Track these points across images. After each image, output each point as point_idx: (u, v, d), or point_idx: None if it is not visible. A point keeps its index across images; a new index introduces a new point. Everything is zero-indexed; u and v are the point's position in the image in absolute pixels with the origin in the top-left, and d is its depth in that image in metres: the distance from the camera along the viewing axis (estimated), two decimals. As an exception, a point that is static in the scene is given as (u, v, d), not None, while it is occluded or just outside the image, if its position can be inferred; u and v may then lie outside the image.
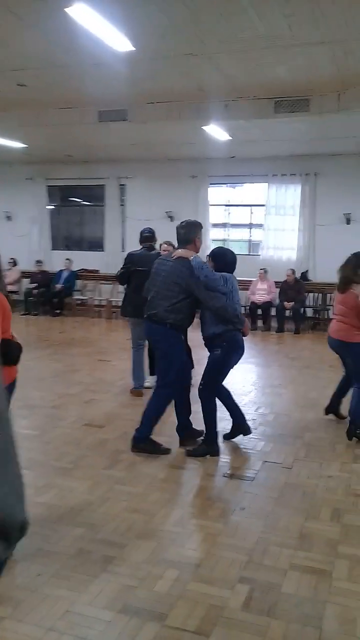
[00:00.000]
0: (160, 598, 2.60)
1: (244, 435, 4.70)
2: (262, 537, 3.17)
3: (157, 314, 4.35)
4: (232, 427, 4.75)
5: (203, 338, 4.53)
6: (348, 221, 11.74)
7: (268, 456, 4.40)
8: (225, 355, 4.39)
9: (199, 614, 2.48)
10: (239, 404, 4.85)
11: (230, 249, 4.86)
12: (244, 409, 5.15)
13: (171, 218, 12.58)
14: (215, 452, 4.40)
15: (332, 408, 5.40)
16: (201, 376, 4.51)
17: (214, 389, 4.52)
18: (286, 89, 7.85)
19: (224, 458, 4.39)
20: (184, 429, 4.63)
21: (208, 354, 4.49)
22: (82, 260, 13.48)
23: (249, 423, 4.89)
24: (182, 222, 4.57)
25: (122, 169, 13.36)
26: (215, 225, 13.23)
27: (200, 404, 4.44)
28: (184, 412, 4.62)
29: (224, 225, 13.36)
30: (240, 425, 4.72)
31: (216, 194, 13.24)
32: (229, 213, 13.42)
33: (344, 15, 5.54)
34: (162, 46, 6.40)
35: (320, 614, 2.51)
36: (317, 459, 4.36)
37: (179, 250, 4.42)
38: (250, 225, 13.30)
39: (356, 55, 6.56)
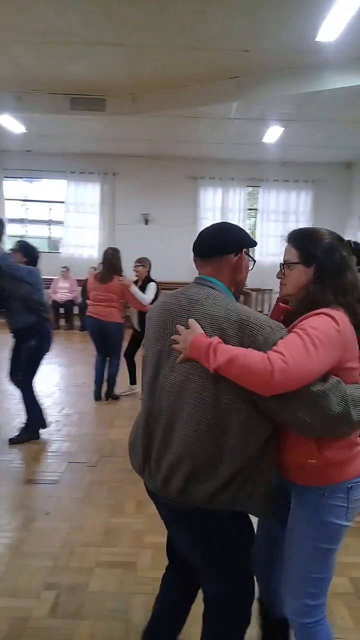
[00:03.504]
0: None
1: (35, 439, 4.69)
2: (68, 539, 3.13)
3: None
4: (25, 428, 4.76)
5: (12, 330, 4.60)
6: (146, 221, 12.19)
7: (73, 457, 4.36)
8: (40, 344, 4.57)
9: (3, 629, 2.35)
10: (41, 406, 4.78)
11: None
12: (47, 411, 5.03)
13: None
14: (37, 436, 4.73)
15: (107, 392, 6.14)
16: (12, 368, 4.66)
17: (32, 377, 4.70)
18: (83, 87, 7.84)
19: (23, 464, 4.23)
20: None
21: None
22: None
23: (53, 425, 4.79)
24: None
25: None
26: (12, 221, 12.69)
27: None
28: None
29: (22, 220, 12.90)
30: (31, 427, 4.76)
31: (12, 188, 12.71)
32: (27, 209, 12.99)
33: (138, 20, 5.71)
34: None
35: (127, 607, 2.55)
36: (122, 454, 4.44)
37: None
38: (49, 222, 13.03)
39: (149, 60, 6.81)
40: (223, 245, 1.76)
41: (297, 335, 1.53)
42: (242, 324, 1.57)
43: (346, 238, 1.81)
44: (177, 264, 12.07)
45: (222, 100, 7.63)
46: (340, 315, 1.60)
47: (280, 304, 1.86)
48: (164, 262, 11.82)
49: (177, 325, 1.68)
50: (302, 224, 12.44)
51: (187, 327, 1.64)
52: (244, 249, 1.78)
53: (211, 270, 1.76)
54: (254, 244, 1.83)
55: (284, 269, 1.81)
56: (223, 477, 1.62)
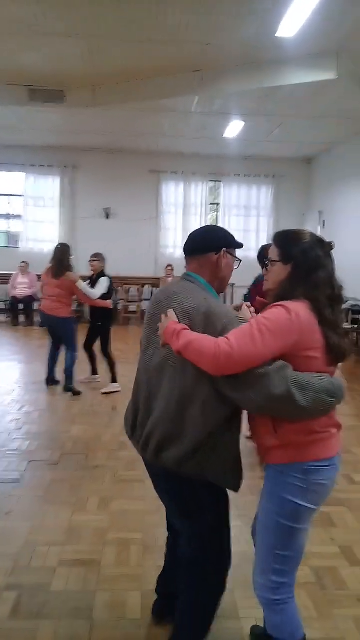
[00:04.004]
0: None
1: None
2: (30, 539, 3.06)
3: None
4: None
5: None
6: (107, 215, 12.08)
7: (33, 455, 4.27)
8: None
9: None
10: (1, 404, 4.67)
11: None
12: (7, 409, 4.94)
13: None
14: None
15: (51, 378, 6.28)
16: None
17: None
18: (41, 78, 7.70)
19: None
20: None
21: None
22: None
23: (13, 424, 4.69)
24: None
25: None
26: (-31, 215, 12.41)
27: None
28: None
29: (-20, 214, 12.61)
30: None
31: (-31, 181, 12.40)
32: (-15, 202, 12.71)
33: (96, 11, 5.62)
34: None
35: (91, 605, 2.52)
36: (83, 451, 4.39)
37: None
38: (8, 216, 12.76)
39: (108, 51, 6.73)
40: (205, 245, 2.01)
41: (248, 324, 1.72)
42: (207, 315, 1.81)
43: None
44: (139, 258, 12.03)
45: (183, 94, 7.61)
46: (297, 306, 1.74)
47: (258, 297, 2.00)
48: (126, 257, 11.76)
49: (162, 314, 1.93)
50: (264, 219, 12.58)
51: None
52: (224, 249, 1.99)
53: (194, 267, 2.02)
54: (236, 245, 2.04)
55: (267, 266, 1.96)
56: (188, 446, 1.85)
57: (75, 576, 2.73)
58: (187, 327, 1.80)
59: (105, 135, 10.51)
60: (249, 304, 2.07)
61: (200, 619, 2.05)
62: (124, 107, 8.24)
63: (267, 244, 4.18)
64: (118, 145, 11.43)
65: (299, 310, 1.72)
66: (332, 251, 1.90)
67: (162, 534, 3.13)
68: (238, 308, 2.07)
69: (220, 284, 2.04)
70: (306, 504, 1.82)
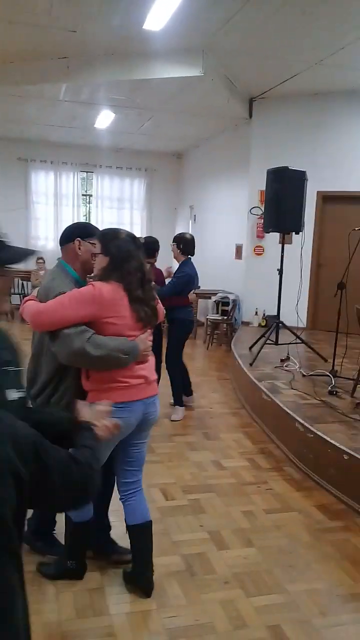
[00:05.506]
0: None
1: None
2: None
3: None
4: None
5: None
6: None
7: None
8: None
9: None
10: None
11: None
12: None
13: None
14: None
15: None
16: None
17: None
18: None
19: None
20: None
21: None
22: None
23: None
24: None
25: None
26: None
27: None
28: None
29: None
30: None
31: None
32: None
33: None
34: None
35: None
36: None
37: None
38: None
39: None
40: (64, 237, 2.60)
41: (64, 294, 2.32)
42: (46, 290, 2.43)
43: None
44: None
45: (50, 81, 7.36)
46: (104, 285, 2.32)
47: (89, 281, 2.56)
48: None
49: None
50: (137, 212, 12.62)
51: None
52: (78, 239, 2.54)
53: (62, 255, 2.61)
54: (88, 235, 2.54)
55: (95, 257, 2.50)
56: (39, 386, 2.54)
57: None
58: (34, 299, 2.47)
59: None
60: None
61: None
62: (-13, 91, 7.79)
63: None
64: (-18, 131, 10.82)
65: (103, 288, 2.30)
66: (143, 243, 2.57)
67: None
68: None
69: (83, 266, 2.57)
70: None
